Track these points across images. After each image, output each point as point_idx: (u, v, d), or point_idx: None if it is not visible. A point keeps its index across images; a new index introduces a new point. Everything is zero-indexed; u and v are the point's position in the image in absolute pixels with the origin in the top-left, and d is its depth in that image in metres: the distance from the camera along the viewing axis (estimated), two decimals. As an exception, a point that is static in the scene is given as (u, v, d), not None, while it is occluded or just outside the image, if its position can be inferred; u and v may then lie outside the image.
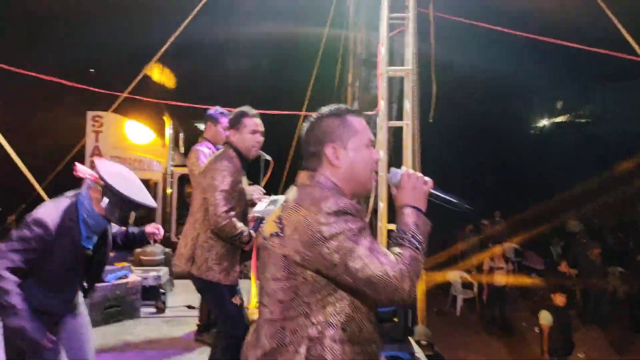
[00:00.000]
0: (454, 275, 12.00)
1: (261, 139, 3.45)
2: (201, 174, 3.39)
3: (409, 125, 6.21)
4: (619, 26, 6.29)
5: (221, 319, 3.41)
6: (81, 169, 2.57)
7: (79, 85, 7.24)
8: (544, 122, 24.78)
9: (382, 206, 6.19)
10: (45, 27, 11.49)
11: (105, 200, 2.50)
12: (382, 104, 6.15)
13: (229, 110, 4.32)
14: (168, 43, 7.24)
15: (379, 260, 1.52)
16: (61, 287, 2.62)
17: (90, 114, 10.09)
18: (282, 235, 1.63)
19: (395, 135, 6.88)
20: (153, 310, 5.57)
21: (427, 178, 1.77)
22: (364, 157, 1.77)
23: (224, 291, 3.27)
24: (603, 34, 6.90)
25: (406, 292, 1.52)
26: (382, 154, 6.21)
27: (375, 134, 6.73)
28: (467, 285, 11.85)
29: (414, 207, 1.68)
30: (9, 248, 2.37)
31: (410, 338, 4.70)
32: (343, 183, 1.74)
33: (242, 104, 3.65)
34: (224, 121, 4.28)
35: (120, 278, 5.24)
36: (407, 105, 6.20)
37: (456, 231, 14.49)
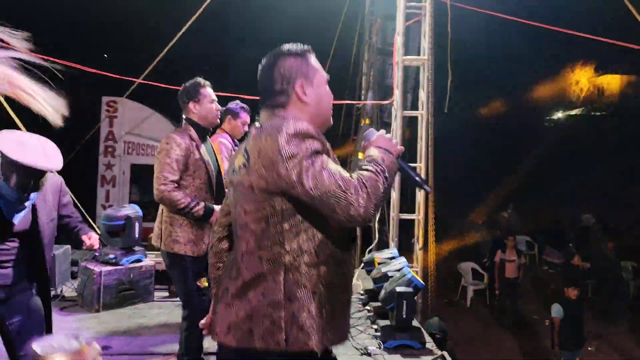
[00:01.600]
0: (465, 266, 11.98)
1: (219, 107, 3.56)
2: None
3: (423, 115, 6.19)
4: (638, 17, 6.18)
5: (181, 295, 3.48)
6: None
7: (95, 71, 7.28)
8: (560, 114, 24.53)
9: (395, 196, 6.19)
10: (60, 11, 11.55)
11: (10, 171, 2.49)
12: (397, 93, 6.13)
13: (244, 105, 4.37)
14: (184, 29, 7.24)
15: (334, 177, 1.54)
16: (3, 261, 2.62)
17: (105, 99, 10.18)
18: (247, 165, 1.68)
19: (410, 125, 6.87)
20: (166, 294, 5.63)
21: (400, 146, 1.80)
22: (327, 93, 1.86)
23: (189, 266, 3.33)
24: (623, 25, 6.80)
25: (362, 207, 1.52)
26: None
27: (389, 123, 6.72)
28: (478, 277, 11.83)
29: (383, 148, 1.70)
30: None
31: (422, 328, 4.72)
32: (310, 118, 1.77)
33: (256, 92, 3.66)
34: (244, 116, 4.32)
35: (134, 262, 5.30)
36: (423, 95, 6.18)
37: (468, 222, 14.46)
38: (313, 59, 1.87)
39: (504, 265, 10.59)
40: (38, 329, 2.75)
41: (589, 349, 9.28)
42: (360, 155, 6.74)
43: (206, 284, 3.34)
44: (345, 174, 1.58)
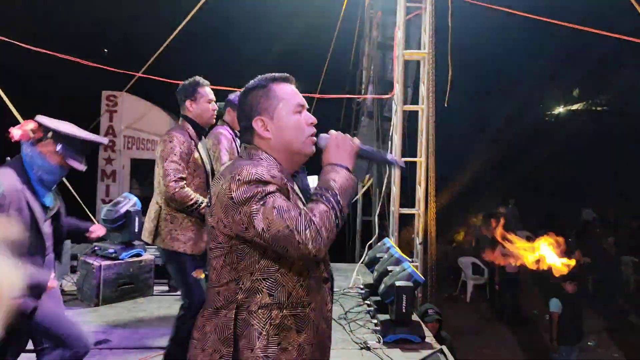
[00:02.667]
0: (465, 261, 11.98)
1: (216, 107, 3.56)
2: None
3: (424, 109, 6.17)
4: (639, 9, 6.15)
5: (181, 289, 3.49)
6: (16, 132, 2.57)
7: (94, 65, 7.26)
8: (560, 109, 24.47)
9: (395, 190, 6.18)
10: (61, 6, 11.51)
11: (60, 146, 2.56)
12: (398, 87, 6.12)
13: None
14: (184, 22, 7.22)
15: (283, 217, 1.56)
16: (32, 250, 2.61)
17: (105, 94, 10.16)
18: (210, 205, 1.72)
19: (411, 120, 6.85)
20: (166, 288, 5.63)
21: (355, 139, 1.80)
22: (293, 123, 1.78)
23: (187, 261, 3.35)
24: (623, 18, 6.77)
25: (311, 245, 1.54)
26: (396, 138, 6.19)
27: (389, 118, 6.70)
28: (478, 271, 11.83)
29: (335, 164, 1.71)
30: None
31: (422, 322, 4.72)
32: (276, 153, 1.77)
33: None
34: None
35: (133, 256, 5.30)
36: (423, 89, 6.16)
37: (468, 216, 14.45)
38: (280, 89, 1.81)
39: (504, 259, 10.59)
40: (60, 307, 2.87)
41: (589, 343, 9.29)
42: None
43: (203, 276, 3.35)
44: (295, 212, 1.58)
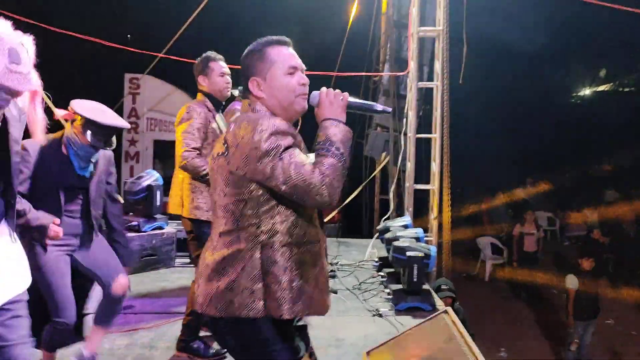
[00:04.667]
0: (483, 241, 12.02)
1: (229, 80, 3.59)
2: None
3: (438, 86, 6.22)
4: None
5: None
6: (58, 113, 2.94)
7: (117, 46, 7.44)
8: (586, 91, 24.04)
9: (409, 166, 6.27)
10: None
11: (88, 131, 2.87)
12: (412, 64, 6.17)
13: None
14: (203, 4, 7.34)
15: (300, 172, 1.73)
16: (50, 209, 2.82)
17: (127, 76, 10.37)
18: (227, 153, 1.84)
19: (427, 97, 6.89)
20: (187, 260, 5.83)
21: (344, 93, 1.92)
22: (284, 85, 1.92)
23: (208, 232, 3.48)
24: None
25: (326, 195, 1.74)
26: (411, 114, 6.26)
27: (405, 96, 6.77)
28: (497, 251, 11.86)
29: (332, 119, 1.86)
30: None
31: (432, 291, 4.84)
32: (271, 109, 1.93)
33: None
34: None
35: (155, 229, 5.51)
36: (438, 66, 6.20)
37: (485, 195, 14.45)
38: (274, 52, 1.95)
39: (522, 238, 10.63)
40: (113, 257, 3.19)
41: (607, 321, 9.31)
42: (377, 129, 6.79)
43: None
44: (310, 166, 1.76)
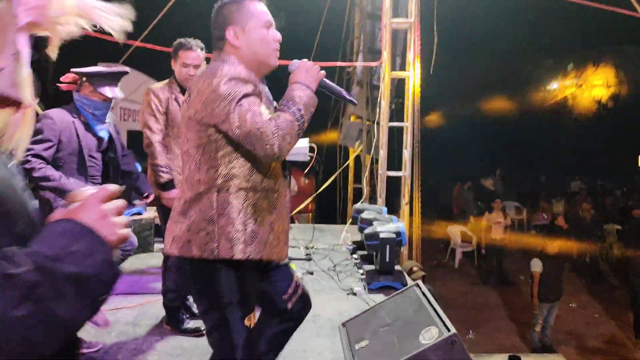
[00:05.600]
0: (453, 229, 12.36)
1: (192, 72, 3.58)
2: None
3: (410, 76, 6.43)
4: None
5: None
6: (64, 81, 3.13)
7: (91, 34, 7.41)
8: (553, 84, 24.61)
9: (382, 154, 6.47)
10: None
11: (97, 85, 3.08)
12: (385, 55, 6.36)
13: None
14: (178, -6, 7.38)
15: (255, 120, 1.83)
16: (77, 173, 3.07)
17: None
18: (189, 100, 1.97)
19: (400, 87, 7.09)
20: (165, 246, 5.93)
21: (322, 71, 2.06)
22: (261, 37, 2.02)
23: None
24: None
25: (276, 147, 1.83)
26: (384, 103, 6.46)
27: (377, 86, 6.95)
28: (466, 239, 12.21)
29: (302, 84, 1.98)
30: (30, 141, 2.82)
31: (404, 272, 5.05)
32: (245, 61, 2.01)
33: None
34: None
35: (134, 214, 5.60)
36: (410, 57, 6.40)
37: (454, 184, 14.81)
38: (252, 5, 2.03)
39: (490, 226, 10.98)
40: None
41: (570, 305, 9.72)
42: (351, 119, 6.94)
43: None
44: (267, 116, 1.85)
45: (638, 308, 8.14)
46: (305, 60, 2.06)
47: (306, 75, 2.00)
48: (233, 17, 2.01)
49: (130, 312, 3.98)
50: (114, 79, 3.15)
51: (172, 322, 3.69)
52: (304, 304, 2.30)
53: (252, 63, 2.02)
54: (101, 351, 3.37)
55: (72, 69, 3.13)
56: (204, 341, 3.46)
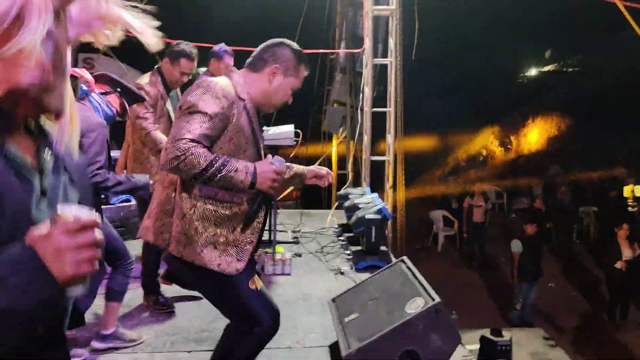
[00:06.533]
0: (435, 214, 12.59)
1: (186, 79, 3.85)
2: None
3: (392, 62, 6.55)
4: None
5: None
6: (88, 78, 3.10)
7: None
8: (532, 71, 24.90)
9: (366, 139, 6.60)
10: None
11: (126, 99, 3.16)
12: (367, 42, 6.46)
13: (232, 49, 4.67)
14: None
15: (180, 130, 2.00)
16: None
17: (82, 56, 10.26)
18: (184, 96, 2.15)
19: (382, 73, 7.19)
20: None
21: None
22: (286, 93, 2.28)
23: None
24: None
25: (169, 157, 1.96)
26: (367, 90, 6.58)
27: (361, 73, 7.07)
28: (448, 224, 12.46)
29: (256, 180, 2.09)
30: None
31: (390, 253, 5.21)
32: (259, 92, 2.23)
33: (230, 41, 4.06)
34: (227, 59, 4.59)
35: (123, 202, 5.66)
36: (392, 43, 6.52)
37: (437, 170, 15.05)
38: (302, 69, 2.28)
39: (472, 210, 11.23)
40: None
41: (549, 285, 10.01)
42: (334, 105, 7.03)
43: None
44: (194, 136, 1.98)
45: (612, 290, 8.42)
46: (274, 167, 2.14)
47: (263, 181, 2.10)
48: (286, 61, 2.23)
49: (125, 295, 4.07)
50: (136, 100, 3.24)
51: (149, 299, 3.87)
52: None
53: (262, 99, 2.24)
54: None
55: (107, 73, 3.13)
56: (199, 321, 3.63)
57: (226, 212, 2.15)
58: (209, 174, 1.98)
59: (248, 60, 2.29)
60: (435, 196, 14.53)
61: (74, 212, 0.86)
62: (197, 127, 1.99)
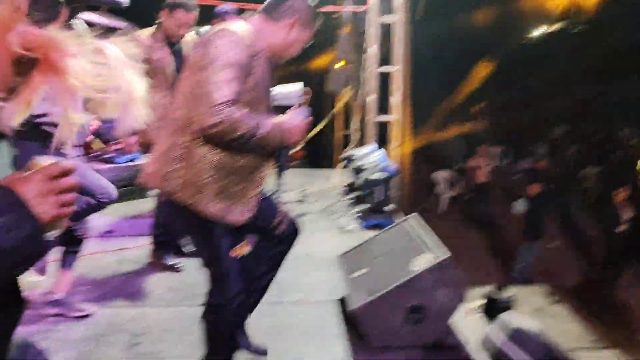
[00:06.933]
0: (438, 175, 12.59)
1: (185, 31, 3.68)
2: None
3: (398, 20, 6.45)
4: None
5: None
6: None
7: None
8: (539, 30, 24.42)
9: (371, 99, 6.56)
10: None
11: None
12: (372, -1, 6.35)
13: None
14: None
15: (216, 91, 1.91)
16: None
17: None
18: (197, 48, 2.12)
19: (387, 32, 7.08)
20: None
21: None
22: (299, 44, 2.25)
23: None
24: None
25: (211, 122, 1.89)
26: (374, 48, 6.50)
27: (363, 32, 6.96)
28: (451, 184, 12.46)
29: (284, 135, 2.10)
30: None
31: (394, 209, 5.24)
32: (274, 42, 2.19)
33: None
34: (229, 20, 4.49)
35: (130, 161, 5.68)
36: (396, 1, 6.41)
37: (442, 130, 15.01)
38: (315, 23, 2.26)
39: (475, 170, 11.22)
40: None
41: (551, 244, 10.08)
42: (337, 65, 6.94)
43: None
44: (230, 96, 1.91)
45: (613, 249, 8.44)
46: (303, 121, 2.18)
47: (291, 136, 2.12)
48: (304, 14, 2.19)
49: (133, 252, 4.15)
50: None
51: (156, 256, 3.89)
52: (293, 229, 2.54)
53: (277, 48, 2.20)
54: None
55: None
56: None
57: (240, 163, 2.12)
58: (245, 138, 1.95)
59: (265, 7, 2.22)
60: (439, 156, 14.48)
61: (51, 160, 0.91)
62: (229, 85, 1.92)
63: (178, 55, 3.84)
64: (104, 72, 0.99)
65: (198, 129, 1.95)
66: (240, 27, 2.09)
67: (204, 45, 2.05)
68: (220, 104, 1.87)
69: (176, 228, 3.28)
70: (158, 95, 3.71)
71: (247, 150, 2.07)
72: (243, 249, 2.26)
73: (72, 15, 2.96)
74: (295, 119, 2.13)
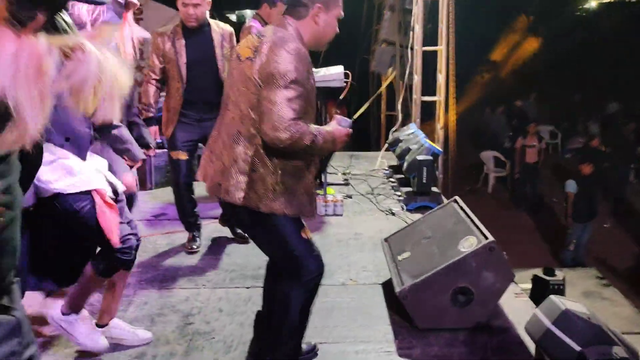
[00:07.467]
0: (486, 155, 12.35)
1: (192, 10, 3.62)
2: None
3: (442, 1, 6.34)
4: None
5: None
6: None
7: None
8: (591, 2, 23.46)
9: (416, 78, 6.49)
10: None
11: None
12: (418, -23, 6.25)
13: None
14: None
15: (284, 109, 2.02)
16: None
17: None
18: (253, 59, 2.13)
19: (432, 11, 6.97)
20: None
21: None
22: (334, 26, 2.26)
23: None
24: None
25: (282, 138, 2.03)
26: (417, 27, 6.41)
27: (410, 10, 6.86)
28: (499, 164, 12.22)
29: (336, 139, 2.22)
30: None
31: (441, 194, 5.21)
32: (310, 36, 2.22)
33: None
34: (281, 5, 4.43)
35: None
36: (443, -21, 6.28)
37: (489, 110, 14.68)
38: None
39: (524, 150, 10.96)
40: None
41: (604, 225, 9.80)
42: (383, 45, 6.86)
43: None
44: (291, 113, 2.02)
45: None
46: (347, 130, 2.28)
47: (338, 144, 2.27)
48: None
49: (183, 235, 4.27)
50: None
51: (227, 224, 4.23)
52: None
53: (314, 41, 2.25)
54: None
55: None
56: (255, 259, 3.75)
57: (300, 164, 2.23)
58: (308, 148, 2.10)
59: (287, 9, 2.25)
60: (487, 135, 14.19)
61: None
62: (296, 102, 2.04)
63: (203, 40, 3.79)
64: (84, 67, 1.01)
65: (267, 141, 2.09)
66: (290, 36, 2.15)
67: (265, 51, 2.09)
68: (289, 120, 2.02)
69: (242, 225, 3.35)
70: (172, 83, 3.85)
71: (307, 155, 2.22)
72: (308, 232, 2.34)
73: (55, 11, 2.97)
74: (342, 130, 2.24)
